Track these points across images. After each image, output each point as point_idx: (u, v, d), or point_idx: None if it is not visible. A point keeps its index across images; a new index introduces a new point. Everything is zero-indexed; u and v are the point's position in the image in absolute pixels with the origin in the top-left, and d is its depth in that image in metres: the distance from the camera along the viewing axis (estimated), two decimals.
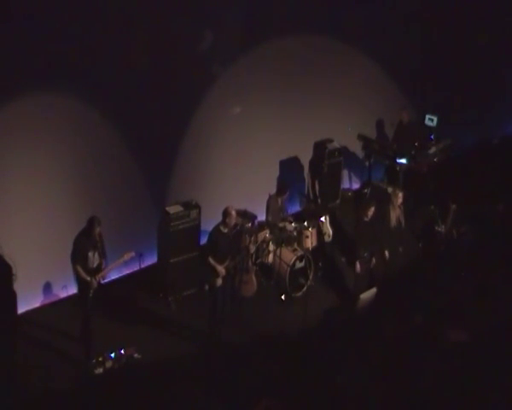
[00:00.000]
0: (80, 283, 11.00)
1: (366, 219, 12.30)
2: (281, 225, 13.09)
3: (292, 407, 10.31)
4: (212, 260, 11.29)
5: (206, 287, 11.79)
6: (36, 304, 12.12)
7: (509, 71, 17.06)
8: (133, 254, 11.21)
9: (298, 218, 13.66)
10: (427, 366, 10.78)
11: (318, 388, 10.52)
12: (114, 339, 11.37)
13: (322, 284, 13.22)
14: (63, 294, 12.22)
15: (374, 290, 12.11)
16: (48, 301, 12.24)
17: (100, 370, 10.85)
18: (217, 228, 11.37)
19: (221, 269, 11.30)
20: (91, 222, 10.85)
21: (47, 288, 12.18)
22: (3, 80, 11.03)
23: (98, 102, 12.03)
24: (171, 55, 12.55)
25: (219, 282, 11.33)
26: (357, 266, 12.36)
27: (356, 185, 15.76)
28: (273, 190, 13.47)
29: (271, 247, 12.99)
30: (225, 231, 11.33)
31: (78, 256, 10.84)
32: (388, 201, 13.07)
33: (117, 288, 12.51)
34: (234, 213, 11.30)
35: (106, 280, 11.47)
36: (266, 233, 12.95)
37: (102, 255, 11.02)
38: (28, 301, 11.87)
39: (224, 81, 13.39)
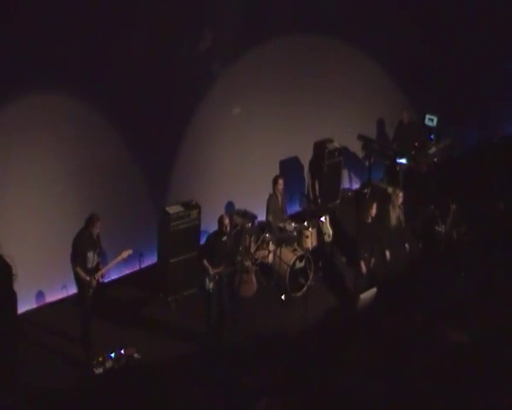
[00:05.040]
0: (80, 283, 11.00)
1: (368, 220, 12.32)
2: (281, 225, 13.09)
3: (292, 407, 10.32)
4: (206, 263, 11.34)
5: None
6: (36, 304, 12.12)
7: (509, 71, 17.05)
8: (131, 251, 11.20)
9: (298, 218, 13.65)
10: (427, 366, 10.78)
11: (318, 388, 10.52)
12: (114, 339, 11.38)
13: (322, 284, 13.22)
14: (63, 294, 12.22)
15: (374, 290, 12.12)
16: (48, 301, 12.24)
17: (100, 370, 10.85)
18: (215, 234, 11.45)
19: (213, 273, 11.31)
20: (92, 220, 10.85)
21: (47, 288, 12.17)
22: (4, 80, 11.04)
23: (98, 102, 12.03)
24: (172, 55, 12.55)
25: (211, 286, 11.35)
26: (362, 266, 12.34)
27: (356, 185, 15.76)
28: (272, 190, 13.45)
29: (271, 247, 12.99)
30: (223, 238, 11.37)
31: (78, 257, 10.84)
32: (388, 201, 13.08)
33: (117, 288, 12.52)
34: (227, 220, 11.42)
35: (106, 280, 11.49)
36: (266, 252, 12.97)
37: (100, 254, 11.02)
38: (28, 301, 11.87)
39: (224, 81, 13.39)
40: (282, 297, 12.81)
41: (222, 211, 12.58)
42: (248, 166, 13.89)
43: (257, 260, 12.95)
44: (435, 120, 15.48)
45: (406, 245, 12.98)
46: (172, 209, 12.40)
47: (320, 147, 14.65)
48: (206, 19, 12.85)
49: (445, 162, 15.37)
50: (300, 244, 13.17)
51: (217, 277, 11.37)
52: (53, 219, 11.95)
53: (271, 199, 13.23)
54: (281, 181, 13.13)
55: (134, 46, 12.13)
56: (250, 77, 13.67)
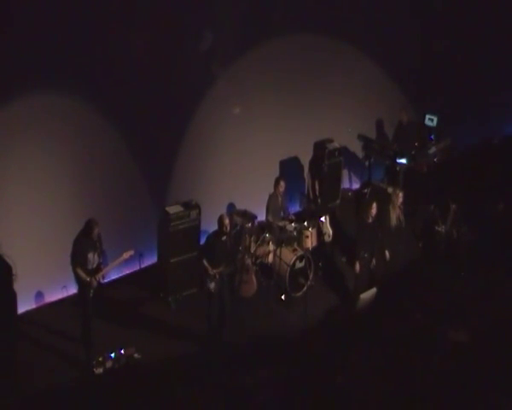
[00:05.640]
0: (80, 283, 10.99)
1: (368, 220, 12.32)
2: (281, 225, 13.09)
3: (292, 406, 10.32)
4: (206, 263, 11.34)
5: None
6: (36, 304, 12.12)
7: (509, 71, 17.06)
8: (132, 252, 11.20)
9: (298, 218, 13.65)
10: (428, 366, 10.78)
11: (318, 388, 10.52)
12: (114, 339, 11.38)
13: (322, 284, 13.22)
14: (63, 294, 12.22)
15: (374, 290, 12.12)
16: (48, 301, 12.24)
17: (100, 370, 10.86)
18: (215, 234, 11.43)
19: (213, 273, 11.31)
20: (90, 224, 10.82)
21: (47, 288, 12.17)
22: (4, 80, 11.04)
23: (98, 102, 12.03)
24: (172, 55, 12.55)
25: (212, 286, 11.35)
26: (357, 265, 12.38)
27: (356, 185, 15.76)
28: (273, 190, 13.45)
29: (271, 247, 12.99)
30: (223, 238, 11.37)
31: (78, 258, 10.82)
32: (388, 201, 13.07)
33: (117, 288, 12.52)
34: (227, 220, 11.41)
35: (106, 280, 11.48)
36: (266, 248, 12.95)
37: (101, 255, 11.02)
38: (28, 301, 11.87)
39: (224, 81, 13.39)
40: (282, 297, 12.81)
41: (222, 211, 12.57)
42: (248, 166, 13.89)
43: (257, 259, 12.95)
44: (435, 120, 15.48)
45: (400, 247, 12.95)
46: (172, 209, 12.40)
47: (320, 147, 14.64)
48: (206, 19, 12.85)
49: (445, 162, 15.38)
50: (300, 244, 13.17)
51: (217, 276, 11.36)
52: (53, 219, 11.94)
53: (271, 199, 13.23)
54: (282, 183, 13.14)
55: (134, 46, 12.13)
56: (250, 77, 13.67)
